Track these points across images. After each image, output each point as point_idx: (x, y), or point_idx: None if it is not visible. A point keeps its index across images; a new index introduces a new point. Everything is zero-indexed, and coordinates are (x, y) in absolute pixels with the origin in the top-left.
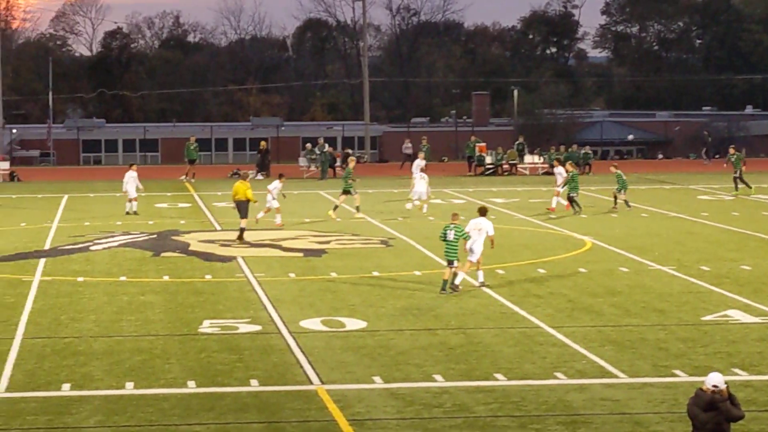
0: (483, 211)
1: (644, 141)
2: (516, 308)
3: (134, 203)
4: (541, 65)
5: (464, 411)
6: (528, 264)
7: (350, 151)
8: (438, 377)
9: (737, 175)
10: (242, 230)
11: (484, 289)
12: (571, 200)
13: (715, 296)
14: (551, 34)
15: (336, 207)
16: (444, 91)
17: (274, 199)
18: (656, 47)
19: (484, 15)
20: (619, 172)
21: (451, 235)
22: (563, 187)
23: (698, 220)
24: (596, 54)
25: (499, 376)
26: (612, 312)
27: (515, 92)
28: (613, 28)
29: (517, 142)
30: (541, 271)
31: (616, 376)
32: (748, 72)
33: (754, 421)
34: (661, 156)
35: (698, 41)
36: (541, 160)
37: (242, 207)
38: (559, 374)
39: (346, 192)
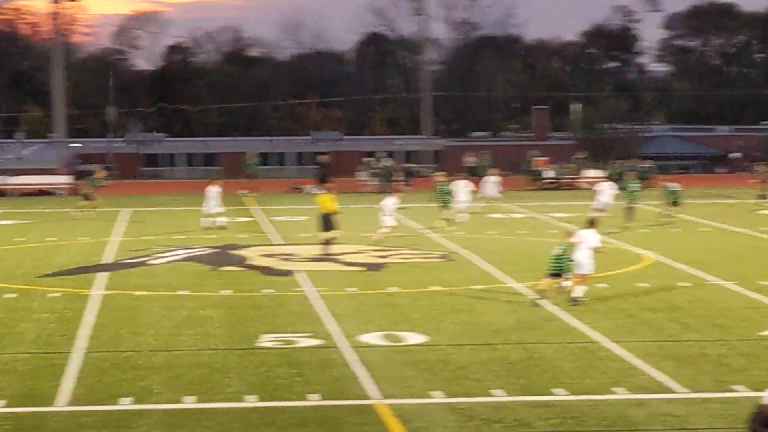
0: (591, 223)
1: (705, 155)
2: (576, 323)
3: (218, 219)
4: (601, 79)
5: (524, 426)
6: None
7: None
8: (498, 392)
9: None
10: (329, 241)
11: (546, 303)
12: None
13: None
14: (611, 48)
15: (444, 217)
16: (504, 105)
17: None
18: (717, 61)
19: (543, 29)
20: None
21: (557, 250)
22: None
23: (758, 234)
24: (657, 68)
25: (559, 391)
26: (672, 327)
27: (575, 107)
28: (674, 42)
29: (578, 157)
30: (602, 285)
31: (677, 392)
32: None
33: None
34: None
35: (759, 55)
36: (604, 174)
37: (329, 219)
38: (619, 389)
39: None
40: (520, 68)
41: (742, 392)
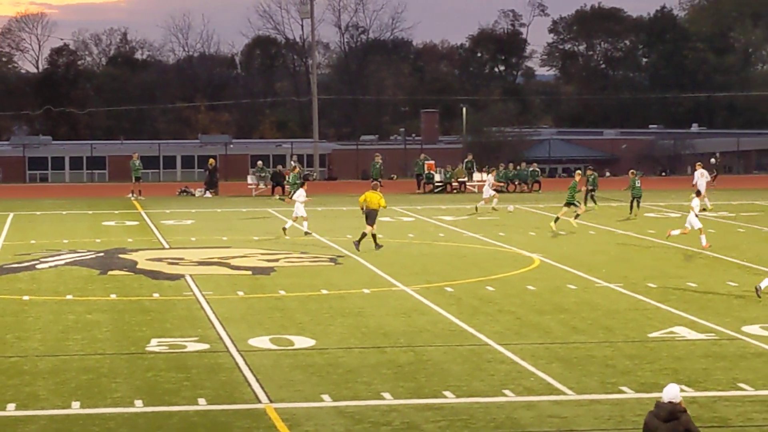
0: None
1: (592, 159)
2: (464, 325)
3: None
4: (489, 83)
5: (413, 429)
6: (476, 281)
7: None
8: (387, 395)
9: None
10: (366, 235)
11: (435, 306)
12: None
13: (662, 313)
14: (499, 52)
15: (557, 218)
16: (393, 108)
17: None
18: (603, 65)
19: (432, 33)
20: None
21: None
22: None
23: (645, 237)
24: (544, 72)
25: (447, 393)
26: (559, 329)
27: (463, 110)
28: (561, 47)
29: (466, 160)
30: (490, 288)
31: (564, 393)
32: (694, 90)
33: None
34: (608, 174)
35: (644, 60)
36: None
37: (372, 215)
38: (507, 391)
39: (568, 204)
40: (409, 72)
41: (628, 393)
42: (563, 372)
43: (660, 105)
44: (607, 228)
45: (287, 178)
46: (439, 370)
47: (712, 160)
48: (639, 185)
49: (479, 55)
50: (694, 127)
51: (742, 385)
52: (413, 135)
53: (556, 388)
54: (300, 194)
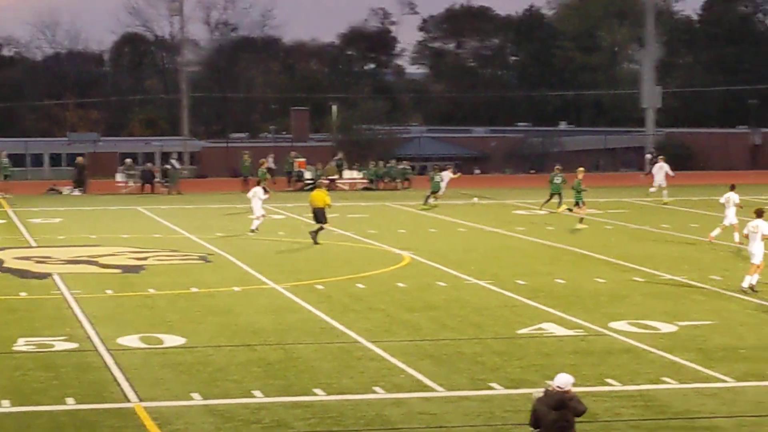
0: (760, 213)
1: (461, 156)
2: (335, 323)
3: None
4: (360, 81)
5: (283, 427)
6: (346, 279)
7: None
8: (257, 393)
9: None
10: (324, 229)
11: (305, 304)
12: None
13: (531, 310)
14: (369, 50)
15: (582, 219)
16: (263, 106)
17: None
18: (472, 64)
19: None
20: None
21: None
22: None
23: (515, 234)
24: (414, 70)
25: (317, 391)
26: (429, 326)
27: (333, 108)
28: (431, 45)
29: (336, 158)
30: (360, 286)
31: (434, 390)
32: (562, 88)
33: None
34: (477, 171)
35: (513, 58)
36: (361, 175)
37: (318, 213)
38: (377, 389)
39: (577, 203)
40: (278, 69)
41: (497, 390)
42: (433, 369)
43: (528, 103)
44: (477, 225)
45: (259, 172)
46: (309, 367)
47: (648, 156)
48: (559, 182)
49: (349, 53)
50: (562, 125)
51: (609, 380)
52: (283, 133)
53: (426, 384)
54: (257, 192)
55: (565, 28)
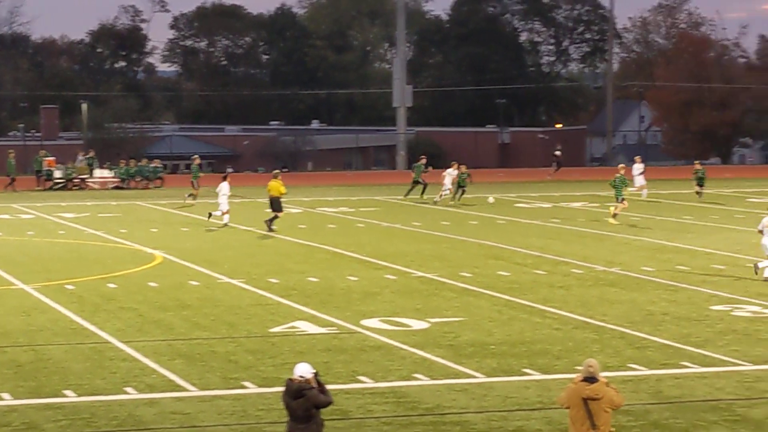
0: None
1: (214, 155)
2: (86, 323)
3: None
4: (110, 79)
5: (33, 429)
6: (98, 279)
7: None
8: (6, 396)
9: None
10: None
11: (55, 304)
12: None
13: (284, 308)
14: (120, 48)
15: (615, 214)
16: (12, 104)
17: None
18: (224, 62)
19: (51, 28)
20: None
21: None
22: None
23: (267, 232)
24: (165, 68)
25: (68, 392)
26: (182, 325)
27: (84, 106)
28: (182, 43)
29: (87, 156)
30: (111, 285)
31: (187, 390)
32: (314, 87)
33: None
34: (230, 169)
35: (265, 57)
36: (112, 174)
37: (275, 201)
38: (129, 389)
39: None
40: (27, 67)
41: (251, 388)
42: (186, 368)
43: (281, 102)
44: (230, 224)
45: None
46: (60, 368)
47: (557, 153)
48: (466, 178)
49: (100, 50)
50: (315, 124)
51: (361, 377)
52: (33, 131)
53: (179, 384)
54: (223, 188)
55: (317, 27)
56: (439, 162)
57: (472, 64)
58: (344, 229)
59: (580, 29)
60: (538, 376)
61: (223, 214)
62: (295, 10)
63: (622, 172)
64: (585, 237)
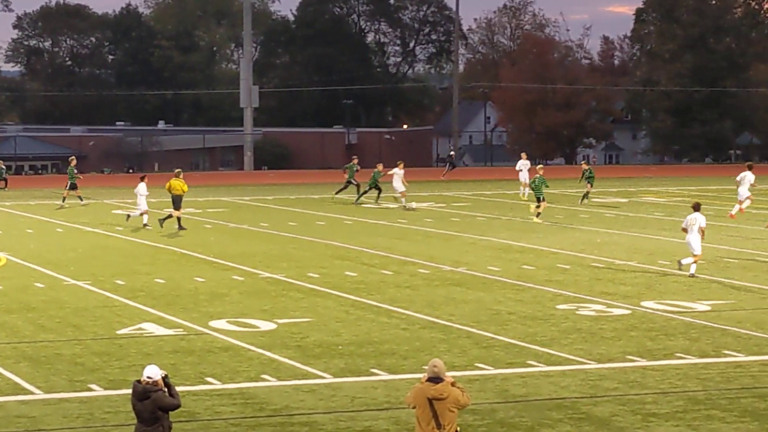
0: (697, 207)
1: (58, 156)
2: None
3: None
4: None
5: None
6: None
7: None
8: None
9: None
10: (172, 217)
11: None
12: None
13: (131, 310)
14: None
15: (539, 213)
16: None
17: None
18: (69, 62)
19: None
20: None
21: None
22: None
23: (113, 234)
24: (9, 68)
25: None
26: (27, 328)
27: None
28: (26, 43)
29: None
30: None
31: (32, 393)
32: (160, 87)
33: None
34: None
35: (111, 57)
36: None
37: (176, 199)
38: None
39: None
40: None
41: (97, 391)
42: (31, 371)
43: (127, 102)
44: (75, 226)
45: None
46: None
47: (452, 153)
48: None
49: None
50: (161, 125)
51: (209, 379)
52: None
53: (24, 387)
54: (141, 188)
55: (163, 27)
56: (286, 163)
57: (318, 65)
58: (191, 229)
59: (426, 30)
60: (385, 376)
61: (141, 214)
62: (140, 10)
63: (541, 172)
64: (431, 237)
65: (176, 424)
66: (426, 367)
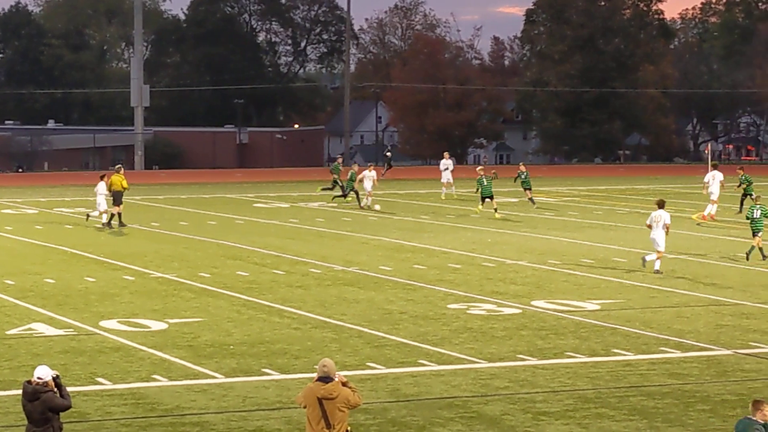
0: (662, 204)
1: None
2: None
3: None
4: None
5: None
6: None
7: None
8: None
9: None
10: (116, 215)
11: None
12: None
13: (20, 310)
14: None
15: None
16: None
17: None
18: None
19: None
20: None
21: (757, 213)
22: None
23: (2, 234)
24: None
25: None
26: None
27: None
28: None
29: None
30: None
31: None
32: (50, 86)
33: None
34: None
35: (0, 55)
36: None
37: (117, 196)
38: None
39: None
40: None
41: None
42: None
43: (16, 101)
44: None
45: None
46: None
47: (388, 153)
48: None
49: None
50: (51, 124)
51: (100, 379)
52: None
53: None
54: (101, 187)
55: (53, 25)
56: (177, 163)
57: (210, 64)
58: (81, 229)
59: (318, 30)
60: (277, 376)
61: (101, 213)
62: (30, 8)
63: (482, 173)
64: (323, 237)
65: (67, 425)
66: (317, 367)
